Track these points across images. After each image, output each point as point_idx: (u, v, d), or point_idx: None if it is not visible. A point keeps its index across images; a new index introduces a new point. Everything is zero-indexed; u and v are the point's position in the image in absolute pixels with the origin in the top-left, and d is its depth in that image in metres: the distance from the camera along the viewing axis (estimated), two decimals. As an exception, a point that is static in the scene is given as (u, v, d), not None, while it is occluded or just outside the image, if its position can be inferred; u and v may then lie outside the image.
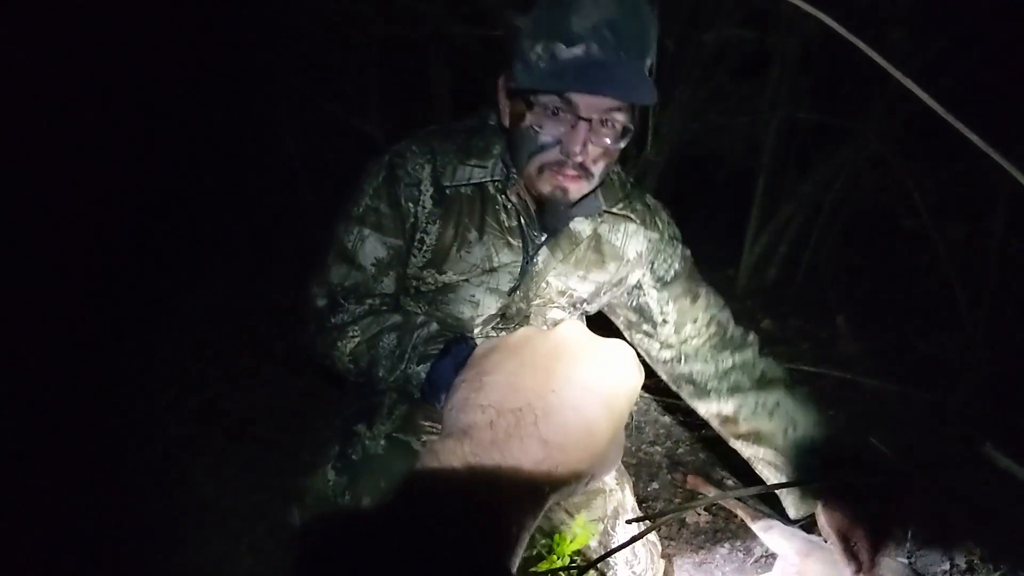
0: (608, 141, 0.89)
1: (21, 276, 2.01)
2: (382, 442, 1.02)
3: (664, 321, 1.09)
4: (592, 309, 1.15)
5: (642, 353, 1.16)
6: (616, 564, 1.11)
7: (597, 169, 0.91)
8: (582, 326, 0.37)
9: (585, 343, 0.35)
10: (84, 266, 2.16)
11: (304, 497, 1.02)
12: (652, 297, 1.09)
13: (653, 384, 1.30)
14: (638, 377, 0.36)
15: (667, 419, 1.80)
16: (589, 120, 0.86)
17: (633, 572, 1.12)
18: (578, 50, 0.82)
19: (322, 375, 1.12)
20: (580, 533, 1.07)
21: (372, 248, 1.00)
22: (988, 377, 1.82)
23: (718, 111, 2.38)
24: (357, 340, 0.99)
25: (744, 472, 1.60)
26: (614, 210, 1.05)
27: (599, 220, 1.05)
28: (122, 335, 2.01)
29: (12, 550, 1.37)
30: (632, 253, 1.08)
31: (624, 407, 0.34)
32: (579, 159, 0.88)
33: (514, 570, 0.28)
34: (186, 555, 1.41)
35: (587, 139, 0.87)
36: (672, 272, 1.09)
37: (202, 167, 2.62)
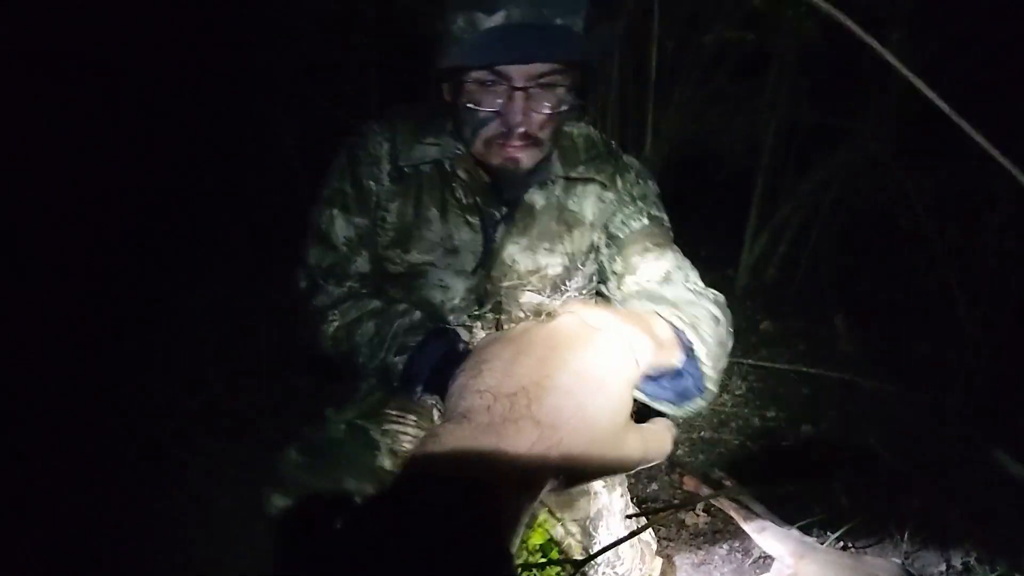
0: (549, 106, 0.85)
1: (21, 276, 2.01)
2: (342, 427, 1.05)
3: (614, 274, 1.02)
4: (578, 286, 1.07)
5: None
6: (598, 563, 1.10)
7: (545, 135, 0.88)
8: (579, 319, 0.37)
9: (581, 332, 0.36)
10: (84, 266, 2.16)
11: (271, 476, 1.04)
12: (605, 256, 1.03)
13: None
14: (634, 366, 0.37)
15: (666, 419, 1.80)
16: (525, 88, 0.82)
17: (616, 572, 1.12)
18: (499, 17, 0.78)
19: (321, 372, 1.13)
20: (536, 530, 1.06)
21: (341, 228, 1.01)
22: (986, 377, 1.82)
23: (717, 112, 2.39)
24: (337, 324, 1.00)
25: (742, 474, 1.60)
26: (573, 174, 1.00)
27: (554, 187, 1.00)
28: (122, 335, 2.01)
29: (12, 550, 1.37)
30: (590, 215, 1.02)
31: (620, 394, 0.35)
32: (522, 129, 0.85)
33: (514, 550, 0.29)
34: (186, 555, 1.41)
35: (526, 109, 0.83)
36: (627, 230, 1.00)
37: (202, 167, 2.62)
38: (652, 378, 0.49)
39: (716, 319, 0.75)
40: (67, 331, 1.93)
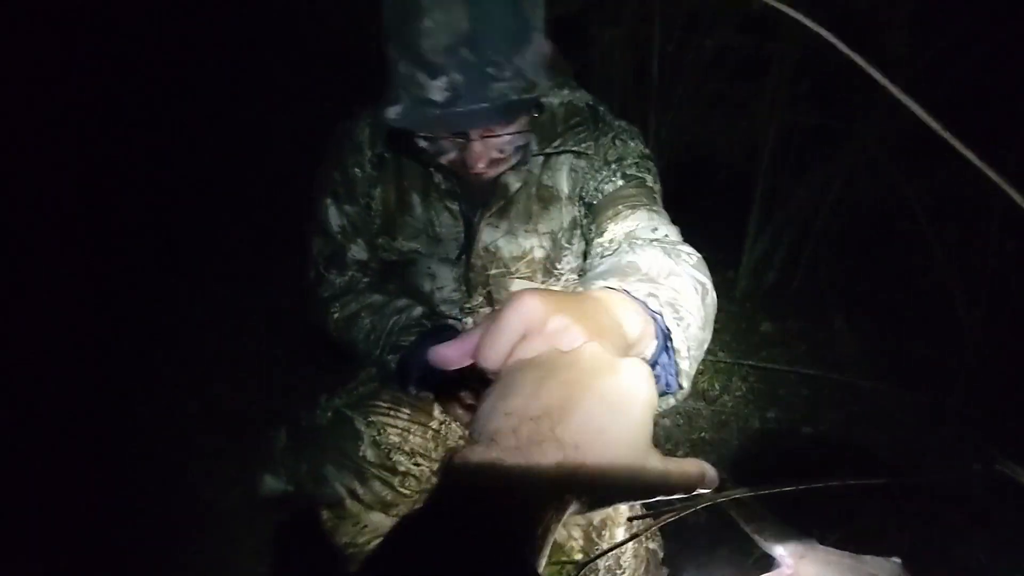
0: (507, 141, 0.84)
1: (22, 276, 2.01)
2: (328, 414, 1.05)
3: (589, 242, 0.94)
4: (571, 267, 1.01)
5: None
6: (598, 570, 1.08)
7: (508, 152, 0.86)
8: (600, 347, 0.38)
9: (602, 360, 0.37)
10: (85, 267, 2.16)
11: (263, 457, 1.05)
12: (585, 228, 0.97)
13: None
14: (652, 392, 0.37)
15: (667, 422, 1.80)
16: (480, 138, 0.81)
17: None
18: (440, 83, 0.73)
19: (320, 367, 1.14)
20: None
21: (334, 216, 1.02)
22: (986, 378, 1.82)
23: (718, 114, 2.39)
24: (337, 316, 1.02)
25: (743, 475, 1.60)
26: (548, 149, 0.94)
27: (530, 165, 0.96)
28: (122, 336, 2.01)
29: (12, 550, 1.37)
30: (566, 188, 0.96)
31: (640, 419, 0.36)
32: (482, 164, 0.83)
33: (541, 569, 0.30)
34: (186, 555, 1.41)
35: (483, 150, 0.82)
36: (600, 196, 0.91)
37: (202, 167, 2.62)
38: None
39: (700, 288, 0.62)
40: (68, 331, 1.93)
